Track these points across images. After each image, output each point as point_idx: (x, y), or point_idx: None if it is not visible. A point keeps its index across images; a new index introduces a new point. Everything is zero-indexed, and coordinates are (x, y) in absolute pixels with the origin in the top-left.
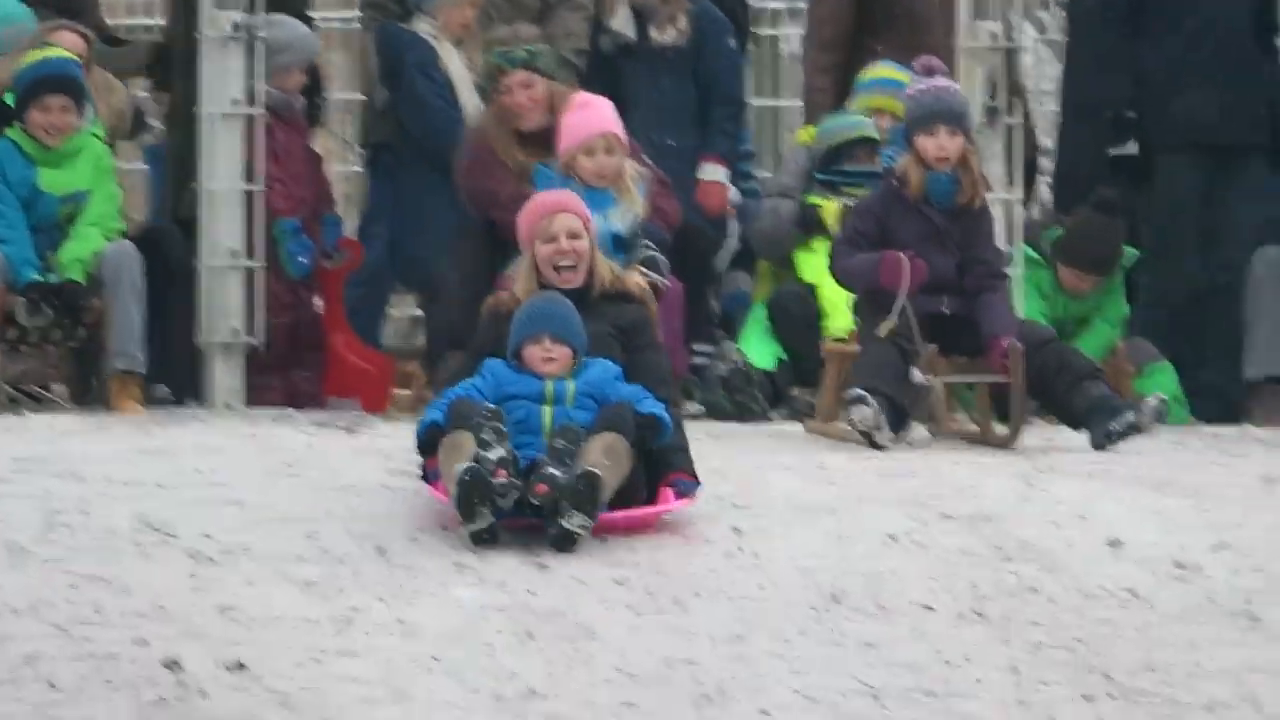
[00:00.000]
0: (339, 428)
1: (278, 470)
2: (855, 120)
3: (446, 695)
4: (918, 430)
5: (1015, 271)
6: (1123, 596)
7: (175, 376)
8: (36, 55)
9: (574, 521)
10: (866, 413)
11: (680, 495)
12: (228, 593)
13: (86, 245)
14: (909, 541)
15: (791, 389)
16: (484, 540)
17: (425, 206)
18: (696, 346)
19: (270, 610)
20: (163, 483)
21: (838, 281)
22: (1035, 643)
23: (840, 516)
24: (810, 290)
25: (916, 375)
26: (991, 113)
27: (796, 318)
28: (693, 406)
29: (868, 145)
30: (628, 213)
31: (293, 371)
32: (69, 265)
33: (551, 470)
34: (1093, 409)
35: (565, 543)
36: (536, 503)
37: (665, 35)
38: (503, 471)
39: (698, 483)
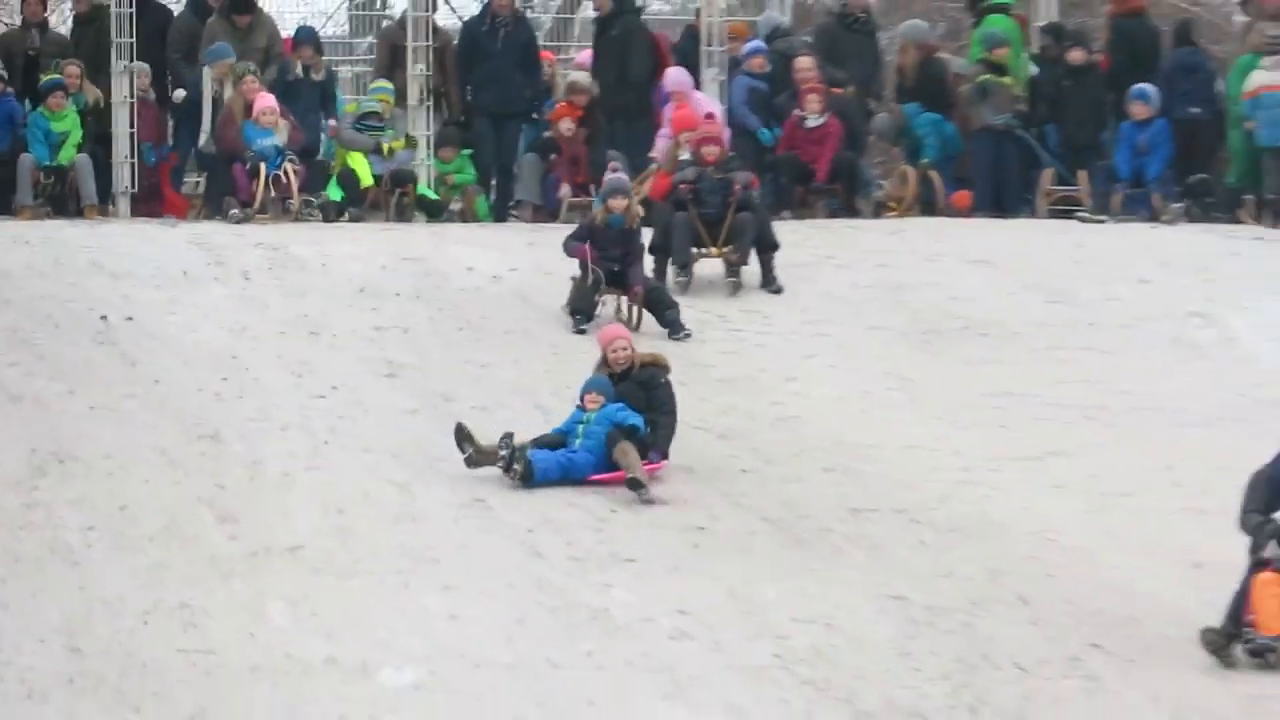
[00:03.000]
0: (168, 225)
1: (147, 239)
2: (371, 101)
3: (241, 318)
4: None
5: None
6: (488, 289)
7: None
8: (52, 74)
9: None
10: (579, 327)
11: (652, 462)
12: (130, 289)
13: (69, 154)
14: (389, 272)
15: (347, 209)
16: (472, 464)
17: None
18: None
19: (150, 297)
20: (99, 246)
21: (566, 254)
22: (462, 322)
23: (366, 262)
24: (354, 170)
25: (594, 299)
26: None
27: (351, 182)
28: (316, 213)
29: (376, 114)
30: (280, 137)
31: (149, 204)
32: (62, 160)
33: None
34: (669, 324)
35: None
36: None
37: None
38: (489, 459)
39: (665, 456)
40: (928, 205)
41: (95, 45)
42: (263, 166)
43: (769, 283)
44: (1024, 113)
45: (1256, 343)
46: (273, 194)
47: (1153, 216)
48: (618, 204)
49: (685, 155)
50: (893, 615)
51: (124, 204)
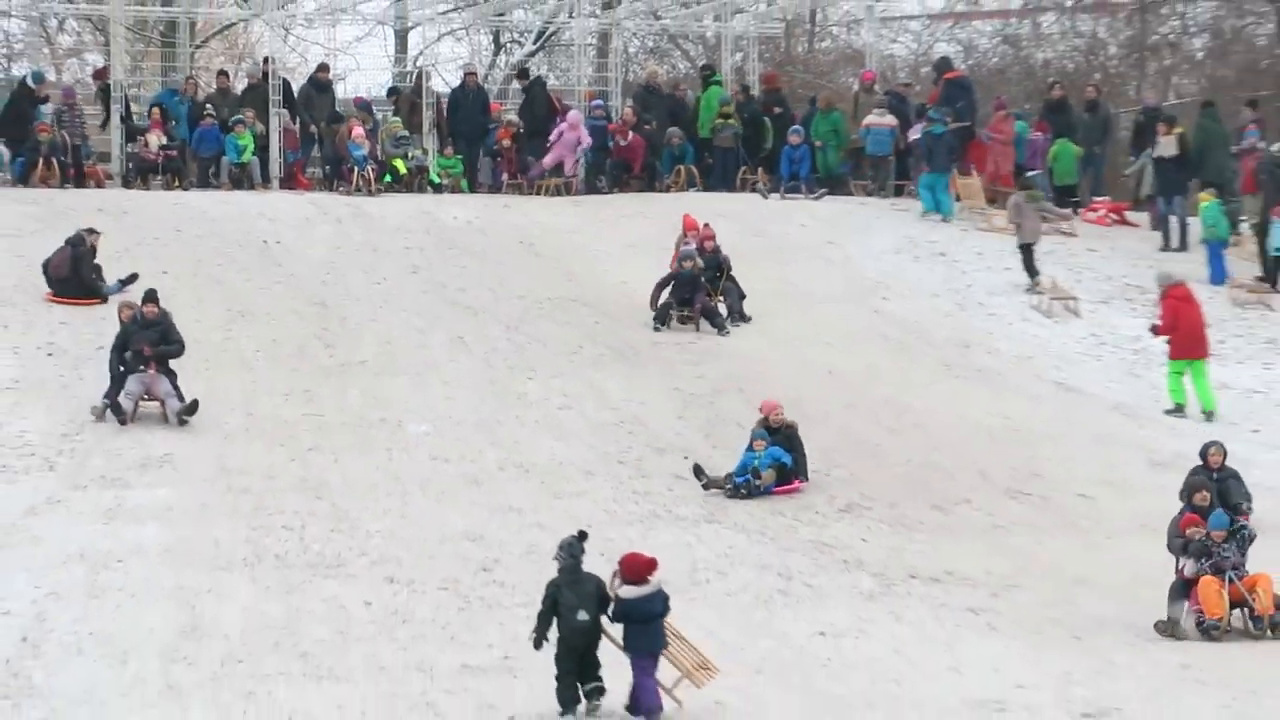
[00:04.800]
0: (302, 195)
1: (287, 201)
2: (401, 130)
3: (336, 242)
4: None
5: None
6: (464, 227)
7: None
8: (237, 115)
9: (760, 483)
10: (664, 321)
11: (800, 481)
12: (279, 228)
13: (247, 157)
14: (413, 219)
15: (392, 188)
16: (706, 489)
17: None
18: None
19: (289, 231)
20: (263, 204)
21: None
22: (451, 244)
23: (400, 214)
24: (396, 167)
25: (669, 314)
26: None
27: (395, 174)
28: (380, 190)
29: (405, 138)
30: (365, 150)
31: (289, 184)
32: (243, 160)
33: (741, 489)
34: (717, 326)
35: (755, 491)
36: (746, 492)
37: None
38: (716, 484)
39: (806, 479)
40: (691, 186)
41: (260, 99)
42: (355, 166)
43: (738, 317)
44: (741, 136)
45: (861, 259)
46: (360, 180)
47: (803, 195)
48: (689, 264)
49: (691, 244)
50: (673, 399)
51: (275, 184)
